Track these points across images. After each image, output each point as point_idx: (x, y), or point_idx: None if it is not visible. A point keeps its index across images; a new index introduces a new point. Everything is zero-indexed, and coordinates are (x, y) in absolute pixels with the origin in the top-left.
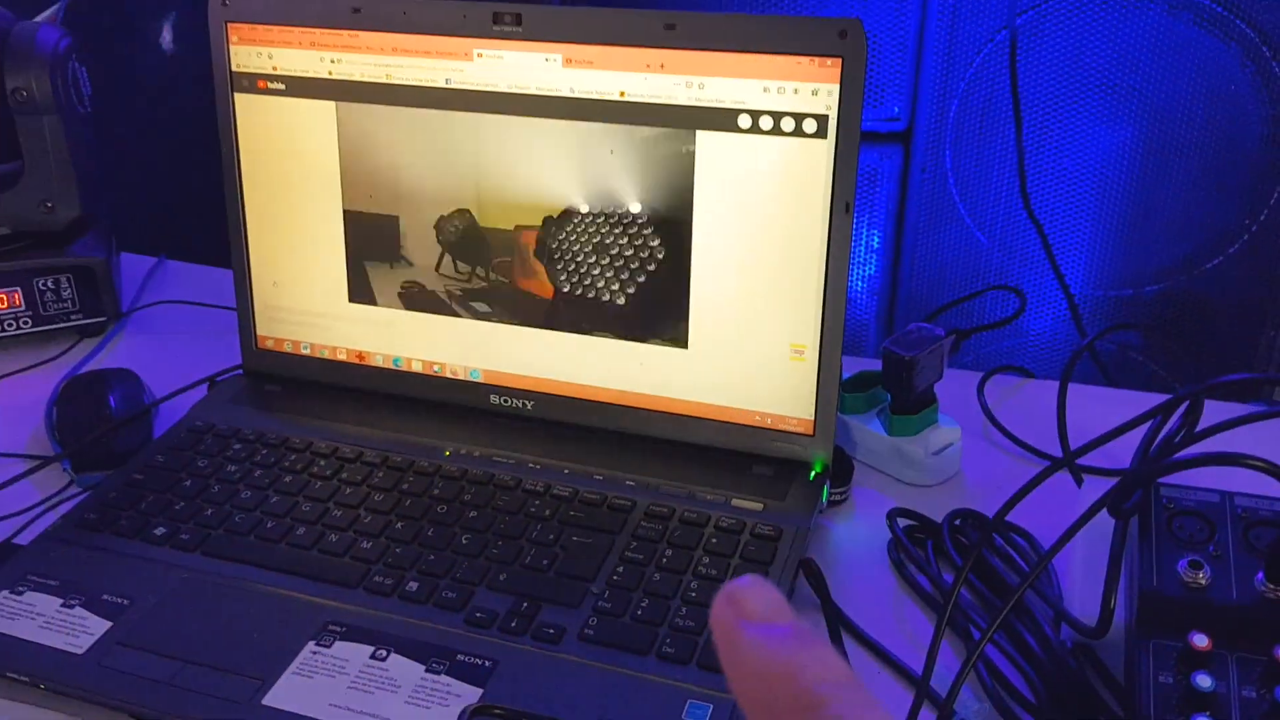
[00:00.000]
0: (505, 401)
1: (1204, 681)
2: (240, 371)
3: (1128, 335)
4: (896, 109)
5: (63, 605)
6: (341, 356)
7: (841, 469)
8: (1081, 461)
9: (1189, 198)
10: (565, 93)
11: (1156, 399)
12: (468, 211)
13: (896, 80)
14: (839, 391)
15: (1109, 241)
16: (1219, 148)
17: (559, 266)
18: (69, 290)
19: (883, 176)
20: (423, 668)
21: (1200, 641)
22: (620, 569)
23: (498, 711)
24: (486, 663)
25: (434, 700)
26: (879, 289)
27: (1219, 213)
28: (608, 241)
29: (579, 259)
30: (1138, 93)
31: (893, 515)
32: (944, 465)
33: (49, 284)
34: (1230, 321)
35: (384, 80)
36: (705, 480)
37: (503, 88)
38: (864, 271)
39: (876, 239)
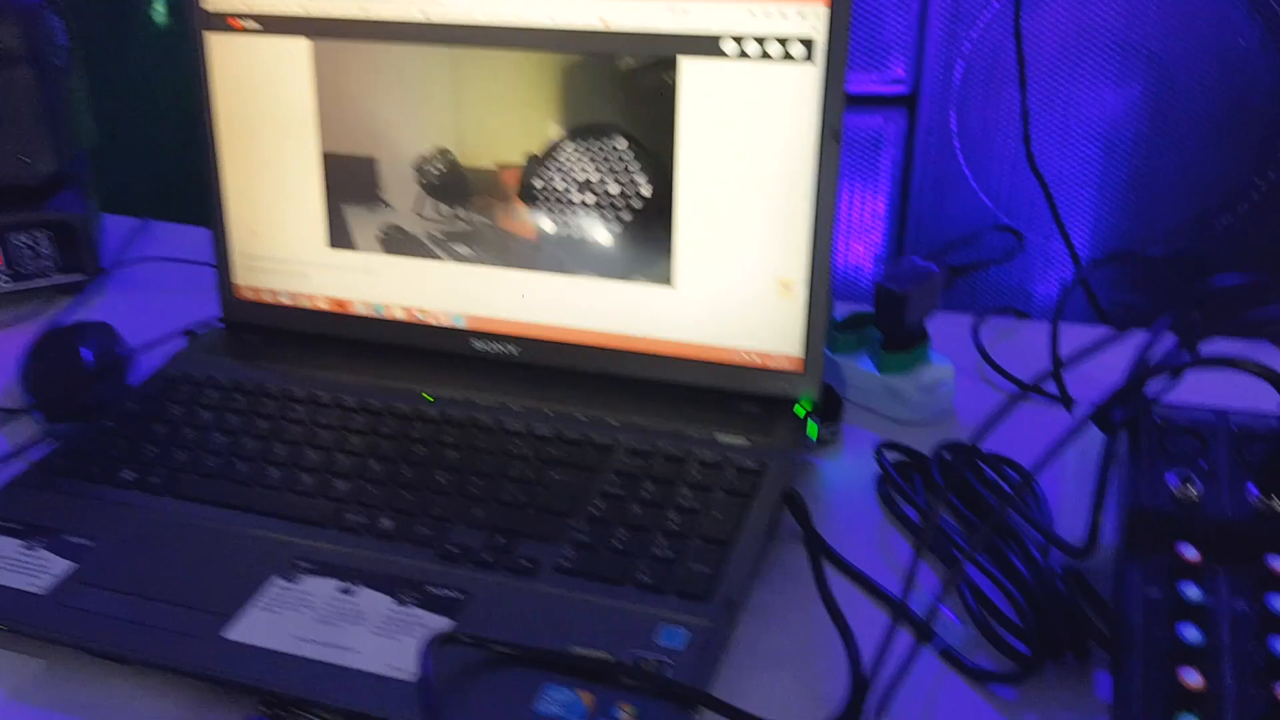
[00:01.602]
0: (489, 346)
1: (1192, 592)
2: (220, 323)
3: (1131, 296)
4: (901, 72)
5: (24, 547)
6: (322, 305)
7: (831, 406)
8: (1078, 396)
9: (1198, 156)
10: (545, 23)
11: None
12: (448, 151)
13: (900, 42)
14: (830, 330)
15: (1117, 202)
16: (1228, 104)
17: (542, 205)
18: (47, 247)
19: (887, 141)
20: (392, 600)
21: (1189, 553)
22: (600, 504)
23: (465, 639)
24: (458, 595)
25: (402, 630)
26: (884, 255)
27: (1228, 171)
28: (592, 178)
29: (562, 197)
30: (1144, 50)
31: (881, 448)
32: (935, 402)
33: (27, 240)
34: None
35: (359, 16)
36: (691, 419)
37: (481, 19)
38: (869, 238)
39: (881, 204)
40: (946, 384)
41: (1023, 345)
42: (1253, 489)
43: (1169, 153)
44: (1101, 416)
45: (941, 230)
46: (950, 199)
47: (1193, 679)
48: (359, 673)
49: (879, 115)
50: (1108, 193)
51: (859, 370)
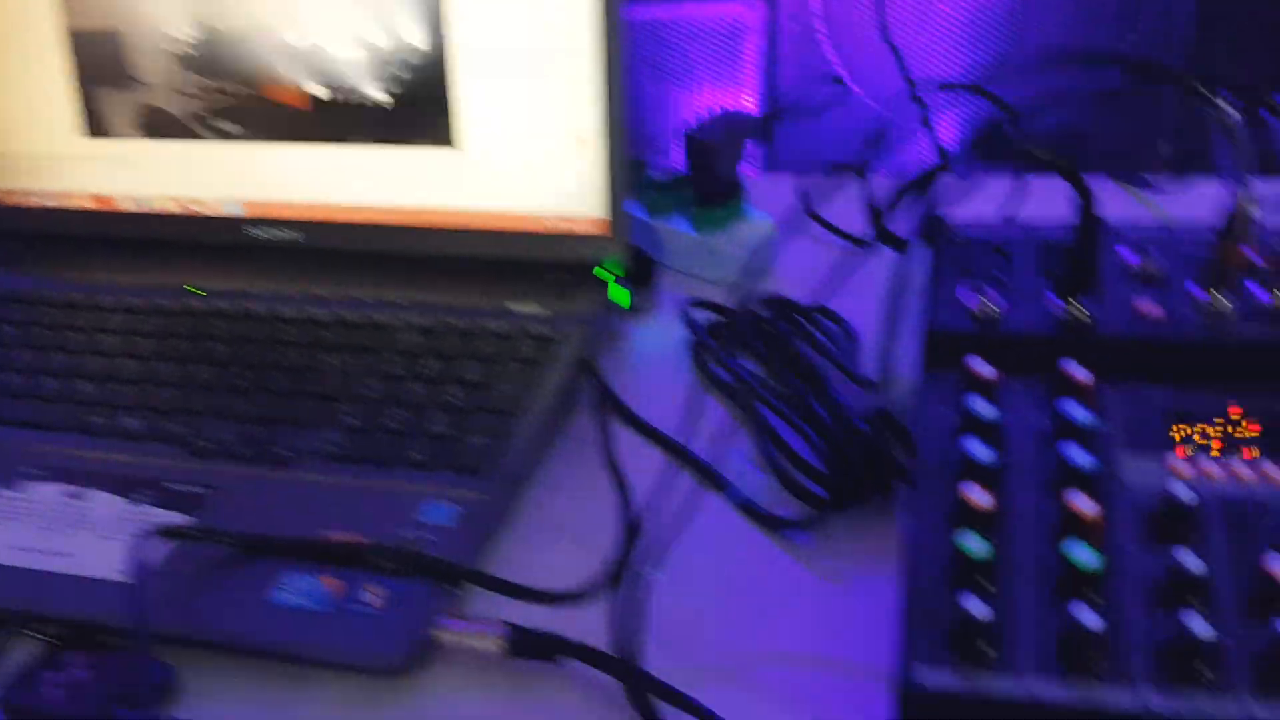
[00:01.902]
0: (270, 234)
1: (980, 406)
2: None
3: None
4: None
5: None
6: (84, 203)
7: (644, 271)
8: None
9: (1064, 25)
10: None
11: None
12: (204, 17)
13: None
14: (649, 193)
15: (981, 79)
16: None
17: (309, 67)
18: None
19: (748, 29)
20: (124, 500)
21: (980, 368)
22: (377, 386)
23: (188, 532)
24: (201, 490)
25: (129, 531)
26: (755, 155)
27: (1095, 38)
28: (361, 33)
29: (333, 57)
30: None
31: (689, 306)
32: (755, 259)
33: None
34: (1112, 146)
35: None
36: (487, 292)
37: None
38: None
39: (749, 96)
40: (766, 239)
41: (852, 199)
42: (1054, 298)
43: (1032, 27)
44: (881, 229)
45: (810, 122)
46: (817, 87)
47: (977, 495)
48: (78, 579)
49: (738, 2)
50: (972, 71)
51: (676, 233)
